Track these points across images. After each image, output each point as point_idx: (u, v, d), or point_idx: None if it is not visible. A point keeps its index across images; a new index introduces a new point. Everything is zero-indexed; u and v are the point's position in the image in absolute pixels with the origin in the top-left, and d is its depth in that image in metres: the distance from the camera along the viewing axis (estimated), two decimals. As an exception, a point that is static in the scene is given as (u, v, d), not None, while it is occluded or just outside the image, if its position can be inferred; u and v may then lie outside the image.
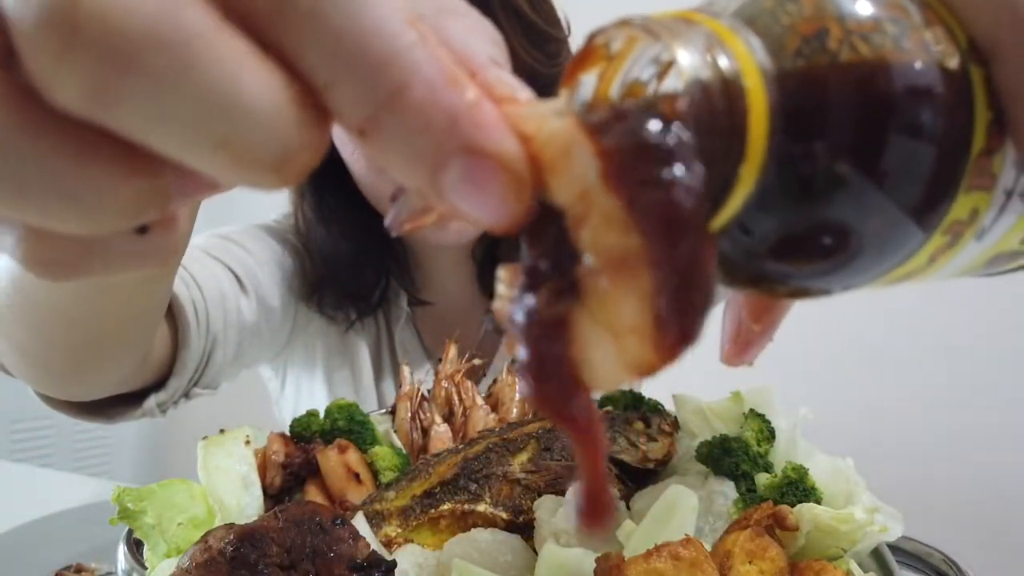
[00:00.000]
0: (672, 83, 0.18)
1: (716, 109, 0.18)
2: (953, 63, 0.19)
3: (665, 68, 0.18)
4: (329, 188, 0.87)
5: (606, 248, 0.16)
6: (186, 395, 0.71)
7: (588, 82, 0.19)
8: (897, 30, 0.19)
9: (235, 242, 0.83)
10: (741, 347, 0.28)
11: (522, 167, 0.16)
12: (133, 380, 0.62)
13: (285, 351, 0.94)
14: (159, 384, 0.65)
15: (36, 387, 0.57)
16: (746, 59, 0.19)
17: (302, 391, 0.97)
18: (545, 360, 0.17)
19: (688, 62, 0.18)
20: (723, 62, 0.18)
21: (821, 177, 0.19)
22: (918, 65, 0.19)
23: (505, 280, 0.18)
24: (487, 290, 0.92)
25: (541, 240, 0.17)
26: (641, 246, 0.15)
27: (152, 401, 0.64)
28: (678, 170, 0.16)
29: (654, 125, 0.16)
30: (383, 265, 0.92)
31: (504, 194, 0.16)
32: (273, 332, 0.86)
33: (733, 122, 0.18)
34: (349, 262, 0.88)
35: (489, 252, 0.90)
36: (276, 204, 0.96)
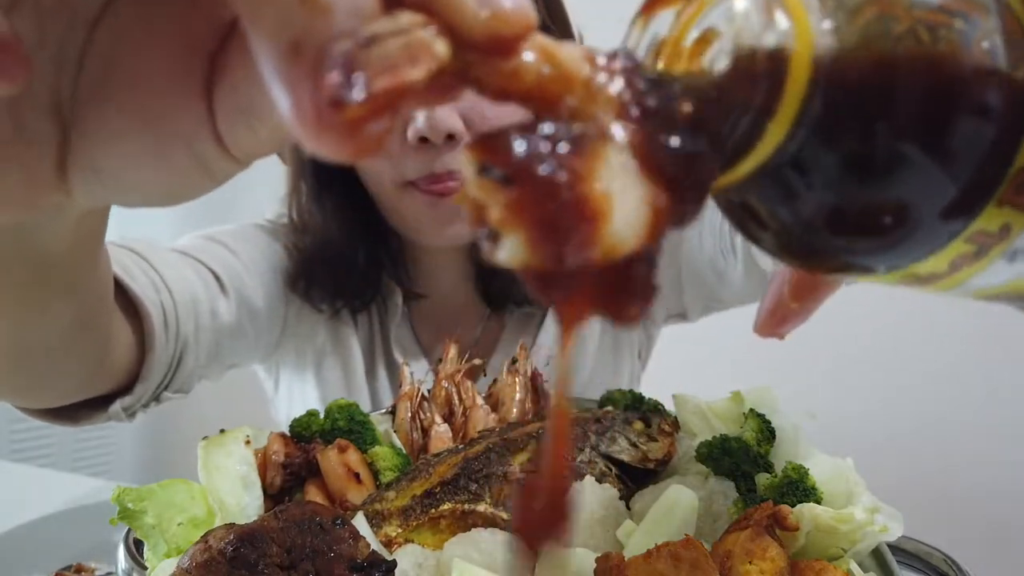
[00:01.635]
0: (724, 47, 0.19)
1: (759, 64, 0.19)
2: (1017, 73, 0.19)
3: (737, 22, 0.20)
4: (328, 179, 0.86)
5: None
6: (156, 399, 0.69)
7: (665, 18, 0.21)
8: (966, 28, 0.19)
9: (220, 242, 0.82)
10: (777, 321, 0.29)
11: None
12: (94, 387, 0.59)
13: (277, 352, 0.93)
14: (127, 388, 0.63)
15: None
16: (802, 24, 0.19)
17: (294, 391, 0.96)
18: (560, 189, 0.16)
19: (744, 20, 0.19)
20: (781, 23, 0.19)
21: (853, 152, 0.20)
22: (975, 68, 0.19)
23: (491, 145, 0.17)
24: (486, 296, 0.92)
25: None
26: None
27: (118, 406, 0.62)
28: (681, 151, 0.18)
29: (674, 137, 0.18)
30: (376, 256, 0.91)
31: None
32: (259, 333, 0.85)
33: (774, 79, 0.19)
34: (342, 247, 0.88)
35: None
36: (273, 207, 0.96)
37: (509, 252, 0.17)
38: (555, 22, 0.78)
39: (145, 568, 0.47)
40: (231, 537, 0.38)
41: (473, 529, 0.47)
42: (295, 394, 0.96)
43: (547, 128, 0.17)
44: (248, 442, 0.55)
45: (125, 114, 0.22)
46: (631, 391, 0.64)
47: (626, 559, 0.39)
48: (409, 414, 0.62)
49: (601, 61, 0.18)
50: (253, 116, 0.21)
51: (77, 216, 0.30)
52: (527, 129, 0.17)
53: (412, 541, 0.47)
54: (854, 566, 0.43)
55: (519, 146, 0.16)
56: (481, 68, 0.17)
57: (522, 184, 0.16)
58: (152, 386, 0.66)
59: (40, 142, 0.22)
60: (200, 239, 0.83)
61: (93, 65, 0.21)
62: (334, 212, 0.87)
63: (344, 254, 0.88)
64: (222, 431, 0.56)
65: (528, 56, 0.17)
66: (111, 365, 0.59)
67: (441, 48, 0.16)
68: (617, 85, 0.18)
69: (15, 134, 0.21)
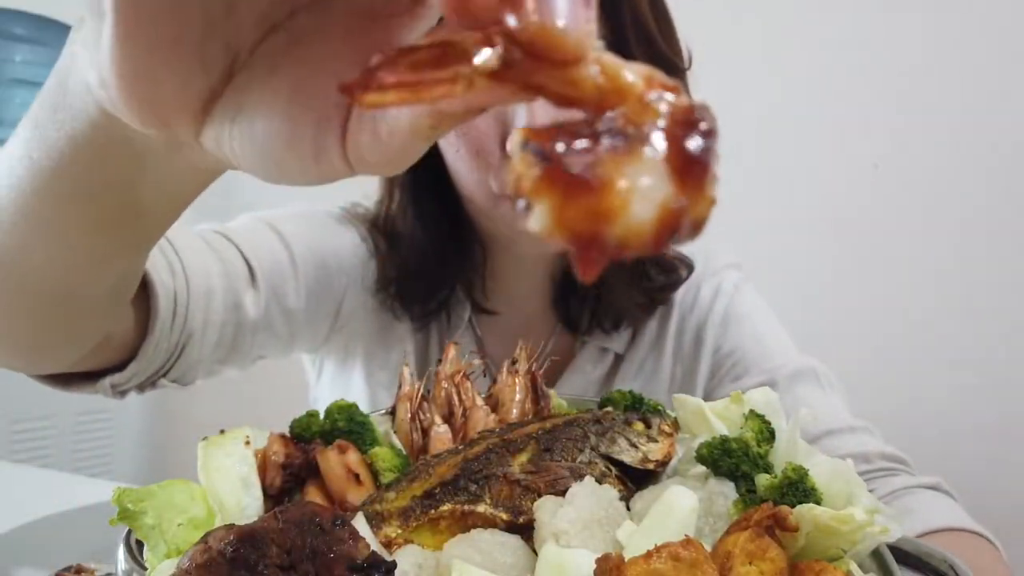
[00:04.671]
0: None
1: None
2: None
3: None
4: (423, 188, 0.85)
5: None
6: (152, 384, 0.68)
7: None
8: None
9: (275, 230, 0.81)
10: None
11: None
12: (94, 359, 0.59)
13: (324, 347, 0.92)
14: (123, 366, 0.62)
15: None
16: None
17: (337, 386, 0.95)
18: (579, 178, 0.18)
19: None
20: None
21: None
22: None
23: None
24: (560, 312, 0.91)
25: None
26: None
27: (107, 381, 0.61)
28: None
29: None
30: (456, 268, 0.89)
31: None
32: (297, 330, 0.83)
33: None
34: (426, 257, 0.86)
35: (568, 273, 0.90)
36: (278, 197, 0.95)
37: (535, 219, 0.19)
38: (668, 42, 0.79)
39: (145, 569, 0.47)
40: (231, 538, 0.38)
41: (473, 530, 0.47)
42: (338, 389, 0.95)
43: (593, 125, 0.19)
44: (248, 442, 0.55)
45: (281, 82, 0.24)
46: (631, 392, 0.64)
47: (626, 559, 0.39)
48: (409, 415, 0.62)
49: (661, 82, 0.20)
50: (383, 124, 0.23)
51: (179, 172, 0.32)
52: (576, 125, 0.19)
53: (412, 542, 0.47)
54: (854, 567, 0.43)
55: (559, 134, 0.19)
56: (541, 75, 0.19)
57: (553, 162, 0.18)
58: (149, 370, 0.65)
59: (209, 62, 0.24)
60: (257, 221, 0.81)
61: (279, 38, 0.24)
62: (424, 221, 0.86)
63: (427, 264, 0.86)
64: (222, 431, 0.56)
65: (589, 69, 0.19)
66: (111, 339, 0.58)
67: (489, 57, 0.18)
68: (665, 104, 0.19)
69: (204, 36, 0.23)
